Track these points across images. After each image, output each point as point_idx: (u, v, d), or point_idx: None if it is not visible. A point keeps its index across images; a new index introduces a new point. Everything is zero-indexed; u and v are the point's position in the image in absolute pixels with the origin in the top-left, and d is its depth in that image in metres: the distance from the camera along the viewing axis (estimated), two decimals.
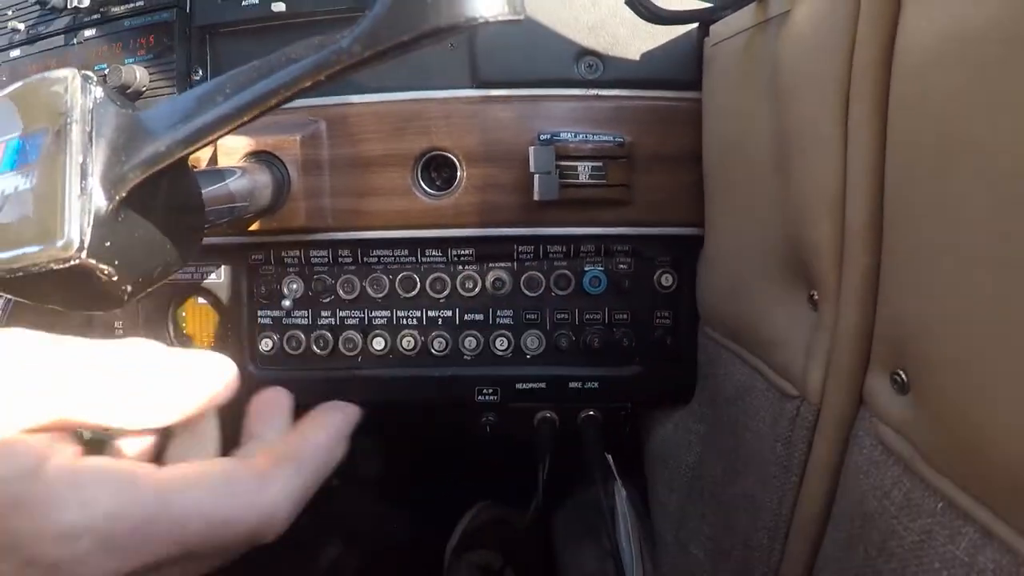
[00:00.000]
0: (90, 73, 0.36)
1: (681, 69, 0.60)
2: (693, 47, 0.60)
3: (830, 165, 0.36)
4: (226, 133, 0.35)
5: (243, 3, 0.64)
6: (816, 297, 0.40)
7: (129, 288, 0.36)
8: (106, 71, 0.68)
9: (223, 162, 0.62)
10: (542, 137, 0.60)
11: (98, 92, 0.35)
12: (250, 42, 0.66)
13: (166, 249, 0.38)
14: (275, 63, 0.33)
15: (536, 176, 0.57)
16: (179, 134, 0.34)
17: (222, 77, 0.34)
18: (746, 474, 0.49)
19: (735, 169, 0.52)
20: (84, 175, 0.33)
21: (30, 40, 0.73)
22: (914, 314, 0.31)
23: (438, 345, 0.65)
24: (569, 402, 0.64)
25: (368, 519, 0.95)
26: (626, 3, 0.53)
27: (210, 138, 0.34)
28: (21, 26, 0.73)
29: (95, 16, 0.69)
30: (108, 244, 0.34)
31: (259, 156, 0.61)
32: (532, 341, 0.64)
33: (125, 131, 0.35)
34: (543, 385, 0.64)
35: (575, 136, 0.60)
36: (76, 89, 0.35)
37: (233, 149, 0.60)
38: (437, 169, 0.62)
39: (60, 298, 0.37)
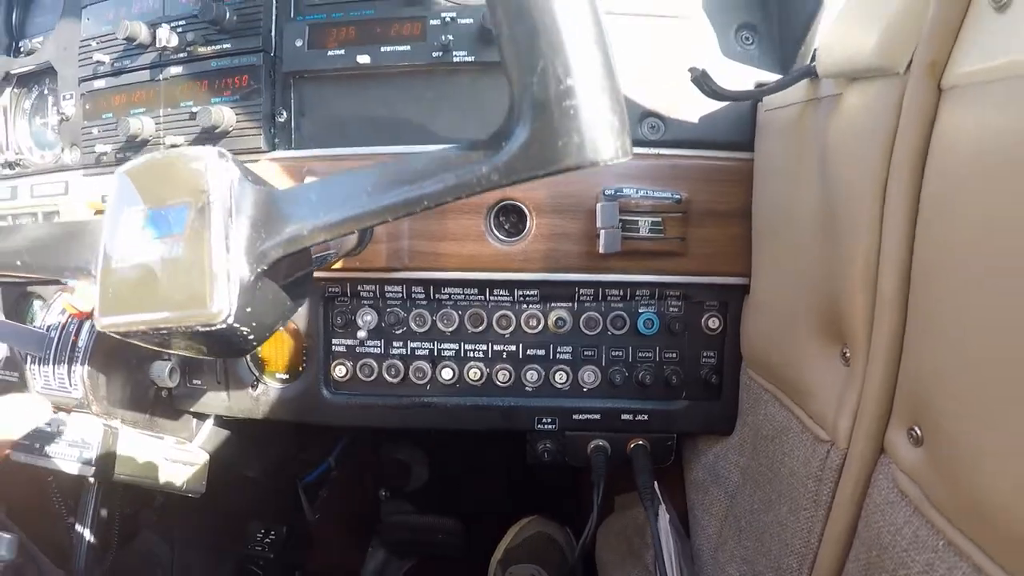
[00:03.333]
0: (225, 151, 0.43)
1: (735, 132, 0.68)
2: (747, 112, 0.68)
3: (867, 238, 0.44)
4: (365, 227, 0.42)
5: (329, 53, 0.71)
6: (848, 354, 0.49)
7: (256, 341, 0.43)
8: (192, 108, 0.74)
9: None
10: (607, 192, 0.68)
11: (235, 171, 0.42)
12: (333, 88, 0.74)
13: (287, 305, 0.46)
14: (412, 170, 0.39)
15: (602, 231, 0.65)
16: (320, 222, 0.41)
17: (361, 173, 0.41)
18: (780, 504, 0.58)
19: (782, 227, 0.61)
20: (228, 248, 0.40)
21: (114, 73, 0.79)
22: (931, 380, 0.40)
23: (502, 377, 0.73)
24: (620, 432, 0.74)
25: (415, 530, 1.03)
26: (692, 82, 0.61)
27: (350, 230, 0.41)
28: (106, 58, 0.80)
29: (182, 55, 0.75)
30: (248, 310, 0.41)
31: None
32: (589, 376, 0.73)
33: (263, 208, 0.42)
34: (598, 416, 0.73)
35: (637, 192, 0.68)
36: (215, 168, 0.42)
37: None
38: (507, 215, 0.70)
39: (196, 350, 0.45)
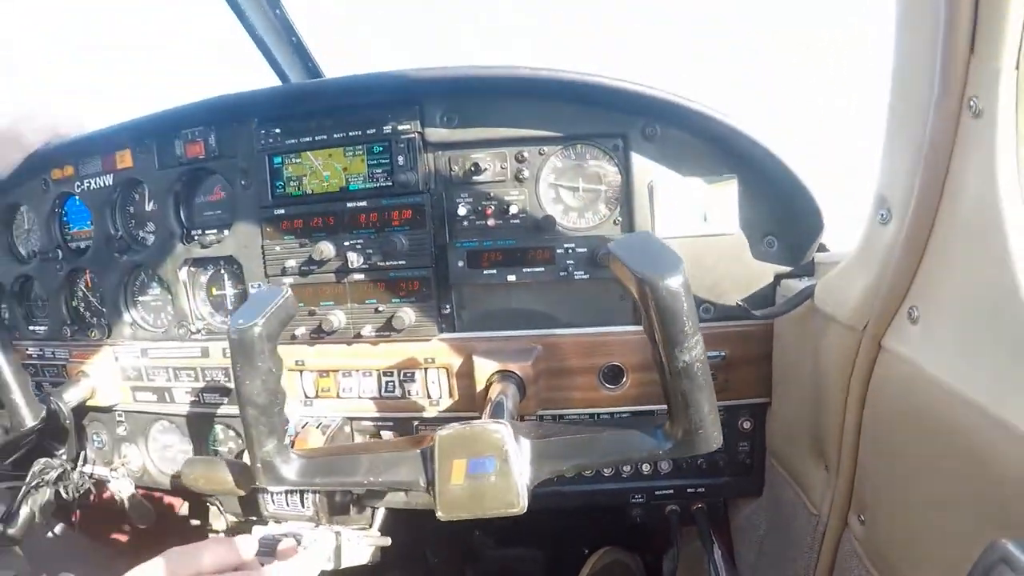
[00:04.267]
0: (506, 423, 0.76)
1: (761, 305, 1.04)
2: (770, 294, 1.04)
3: (836, 410, 0.83)
4: (580, 472, 0.76)
5: (484, 272, 1.01)
6: (827, 467, 0.88)
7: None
8: (376, 305, 1.04)
9: (479, 377, 1.01)
10: None
11: (510, 432, 0.76)
12: (484, 290, 1.05)
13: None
14: (615, 445, 0.75)
15: None
16: (562, 466, 0.77)
17: (583, 441, 0.76)
18: (790, 551, 0.99)
19: (790, 375, 0.99)
20: (520, 475, 0.76)
21: (301, 273, 1.06)
22: (869, 490, 0.79)
23: (607, 471, 1.10)
24: (687, 499, 1.12)
25: (504, 561, 1.42)
26: (736, 306, 0.97)
27: (573, 473, 0.76)
28: (293, 263, 1.06)
29: (363, 266, 1.03)
30: (530, 500, 0.75)
31: (503, 374, 1.01)
32: (664, 464, 1.11)
33: (531, 453, 0.77)
34: (671, 491, 1.12)
35: None
36: (505, 435, 0.77)
37: (486, 369, 1.00)
38: (612, 371, 1.05)
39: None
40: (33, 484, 1.21)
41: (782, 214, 1.03)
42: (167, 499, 1.50)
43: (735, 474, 1.14)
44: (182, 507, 1.51)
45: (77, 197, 1.26)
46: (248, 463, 1.05)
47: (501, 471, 0.76)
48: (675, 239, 1.03)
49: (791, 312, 0.96)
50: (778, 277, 1.03)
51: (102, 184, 1.22)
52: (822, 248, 1.03)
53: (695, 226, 1.04)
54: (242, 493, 1.01)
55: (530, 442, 0.77)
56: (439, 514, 0.76)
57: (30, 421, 1.05)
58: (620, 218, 1.04)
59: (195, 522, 1.46)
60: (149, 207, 1.22)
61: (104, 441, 1.34)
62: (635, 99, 0.99)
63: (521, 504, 0.75)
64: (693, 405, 0.68)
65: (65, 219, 1.31)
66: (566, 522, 1.51)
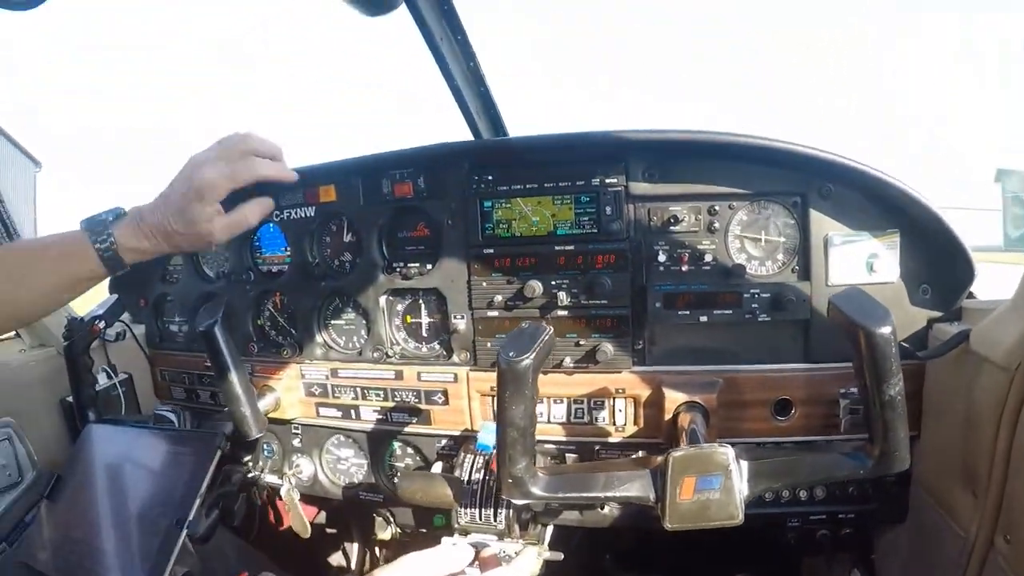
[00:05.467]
0: (729, 447, 0.89)
1: (915, 346, 1.19)
2: (924, 335, 1.18)
3: (987, 438, 0.96)
4: (781, 490, 0.90)
5: (679, 312, 1.17)
6: (976, 492, 1.01)
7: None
8: (577, 339, 1.16)
9: (667, 407, 1.14)
10: (841, 391, 1.16)
11: (733, 455, 0.90)
12: (673, 330, 1.19)
13: None
14: (810, 465, 0.89)
15: (843, 415, 1.14)
16: (776, 484, 0.92)
17: (787, 462, 0.92)
18: (935, 572, 1.12)
19: (942, 408, 1.13)
20: (740, 492, 0.89)
21: (506, 307, 1.19)
22: (1015, 513, 0.93)
23: (768, 496, 1.22)
24: (836, 524, 1.25)
25: None
26: (901, 347, 1.11)
27: (776, 490, 0.90)
28: (500, 298, 1.19)
29: (569, 303, 1.16)
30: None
31: (690, 404, 1.13)
32: (819, 492, 1.23)
33: (751, 470, 0.91)
34: (824, 517, 1.24)
35: (855, 391, 1.17)
36: (730, 455, 0.91)
37: (675, 399, 1.12)
38: (782, 404, 1.18)
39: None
40: (223, 490, 1.30)
41: (937, 265, 1.18)
42: (331, 508, 1.58)
43: (883, 501, 1.27)
44: (345, 516, 1.59)
45: (274, 225, 1.38)
46: (456, 476, 1.17)
47: (725, 487, 0.89)
48: (844, 287, 1.17)
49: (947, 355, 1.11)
50: (931, 321, 1.17)
51: (303, 215, 1.35)
52: (970, 295, 1.18)
53: (862, 275, 1.18)
54: (456, 506, 1.12)
55: (747, 463, 0.91)
56: (668, 525, 0.89)
57: (255, 433, 1.15)
58: (797, 267, 1.18)
59: (359, 532, 1.55)
60: (347, 238, 1.34)
61: (275, 451, 1.44)
62: (815, 163, 1.13)
63: (740, 516, 0.89)
64: (892, 431, 0.84)
65: (256, 243, 1.43)
66: (695, 547, 1.62)
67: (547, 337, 0.89)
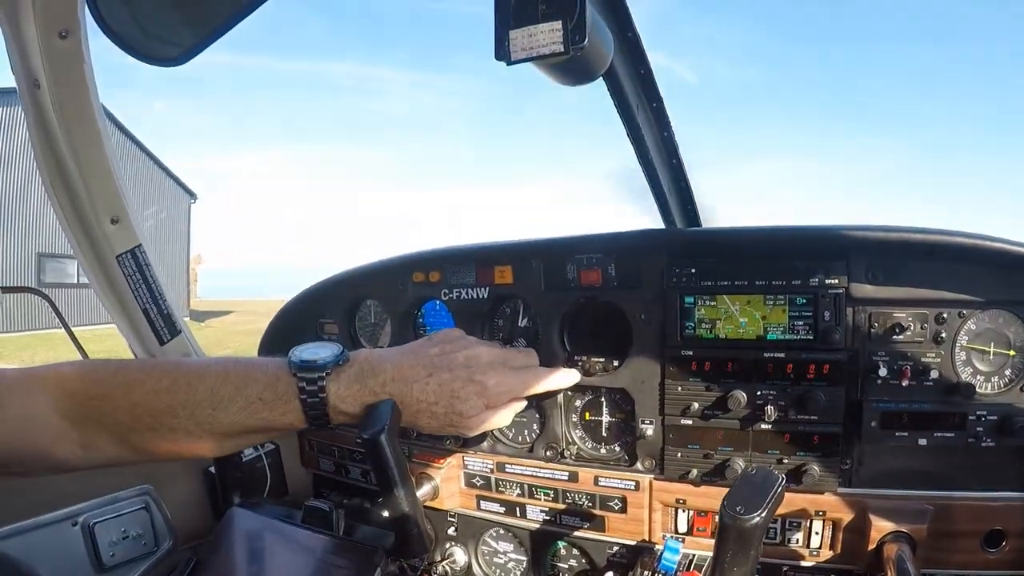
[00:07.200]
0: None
1: None
2: None
3: None
4: None
5: (896, 434, 1.11)
6: None
7: None
8: (779, 456, 1.10)
9: (873, 535, 1.08)
10: None
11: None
12: (885, 451, 1.13)
13: None
14: None
15: None
16: None
17: None
18: None
19: None
20: None
21: (703, 416, 1.12)
22: None
23: None
24: None
25: None
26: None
27: None
28: (697, 405, 1.13)
29: (776, 417, 1.09)
30: None
31: (897, 534, 1.06)
32: None
33: None
34: None
35: None
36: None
37: (881, 528, 1.07)
38: (992, 533, 1.09)
39: None
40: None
41: None
42: None
43: None
44: None
45: (440, 303, 1.32)
46: None
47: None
48: None
49: None
50: None
51: (474, 295, 1.29)
52: None
53: None
54: None
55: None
56: None
57: (421, 553, 1.08)
58: None
59: None
60: (522, 323, 1.29)
61: None
62: None
63: None
64: None
65: (420, 320, 1.38)
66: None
67: (780, 490, 0.83)
